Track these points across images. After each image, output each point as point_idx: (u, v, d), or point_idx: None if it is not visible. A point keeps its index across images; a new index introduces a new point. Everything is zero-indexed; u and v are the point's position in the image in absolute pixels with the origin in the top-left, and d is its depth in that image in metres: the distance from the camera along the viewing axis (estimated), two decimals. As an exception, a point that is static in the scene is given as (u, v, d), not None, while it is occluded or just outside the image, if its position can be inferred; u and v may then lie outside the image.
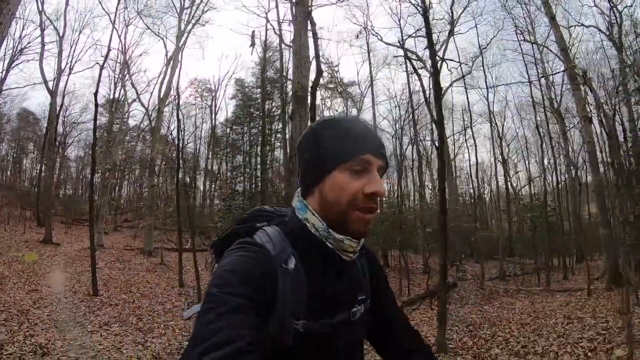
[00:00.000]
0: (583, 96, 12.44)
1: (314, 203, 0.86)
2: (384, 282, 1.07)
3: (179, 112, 16.81)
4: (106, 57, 15.93)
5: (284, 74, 22.33)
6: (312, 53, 8.55)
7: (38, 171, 29.85)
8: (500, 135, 24.35)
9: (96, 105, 10.76)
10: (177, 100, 17.64)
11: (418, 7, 16.95)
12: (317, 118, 6.37)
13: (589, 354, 4.92)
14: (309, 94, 8.07)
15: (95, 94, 10.45)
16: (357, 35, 23.40)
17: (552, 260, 16.84)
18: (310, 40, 8.53)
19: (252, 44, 19.34)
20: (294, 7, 9.77)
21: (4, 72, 22.07)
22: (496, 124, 24.70)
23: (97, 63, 17.60)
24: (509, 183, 23.15)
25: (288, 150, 15.66)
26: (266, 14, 21.62)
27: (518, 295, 12.01)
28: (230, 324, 0.65)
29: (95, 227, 16.53)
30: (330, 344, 0.85)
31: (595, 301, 8.60)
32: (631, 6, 13.22)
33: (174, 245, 18.11)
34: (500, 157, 22.95)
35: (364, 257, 1.00)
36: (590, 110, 13.21)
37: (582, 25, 15.45)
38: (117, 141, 23.99)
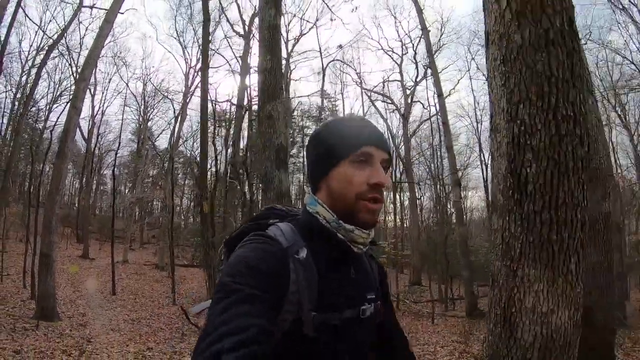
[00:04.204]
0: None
1: (323, 197, 0.88)
2: (386, 293, 1.06)
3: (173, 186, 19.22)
4: (118, 147, 20.15)
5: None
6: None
7: (78, 191, 32.85)
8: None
9: (114, 179, 15.16)
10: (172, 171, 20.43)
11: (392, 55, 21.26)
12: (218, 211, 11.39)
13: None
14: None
15: (113, 172, 14.87)
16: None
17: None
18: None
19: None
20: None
21: (47, 112, 26.46)
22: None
23: (112, 149, 21.33)
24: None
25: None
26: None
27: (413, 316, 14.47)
28: (241, 312, 0.65)
29: (123, 245, 21.81)
30: (337, 341, 0.82)
31: (429, 326, 11.60)
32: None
33: (185, 262, 23.26)
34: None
35: (374, 262, 1.02)
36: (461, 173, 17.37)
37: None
38: (140, 180, 28.09)
